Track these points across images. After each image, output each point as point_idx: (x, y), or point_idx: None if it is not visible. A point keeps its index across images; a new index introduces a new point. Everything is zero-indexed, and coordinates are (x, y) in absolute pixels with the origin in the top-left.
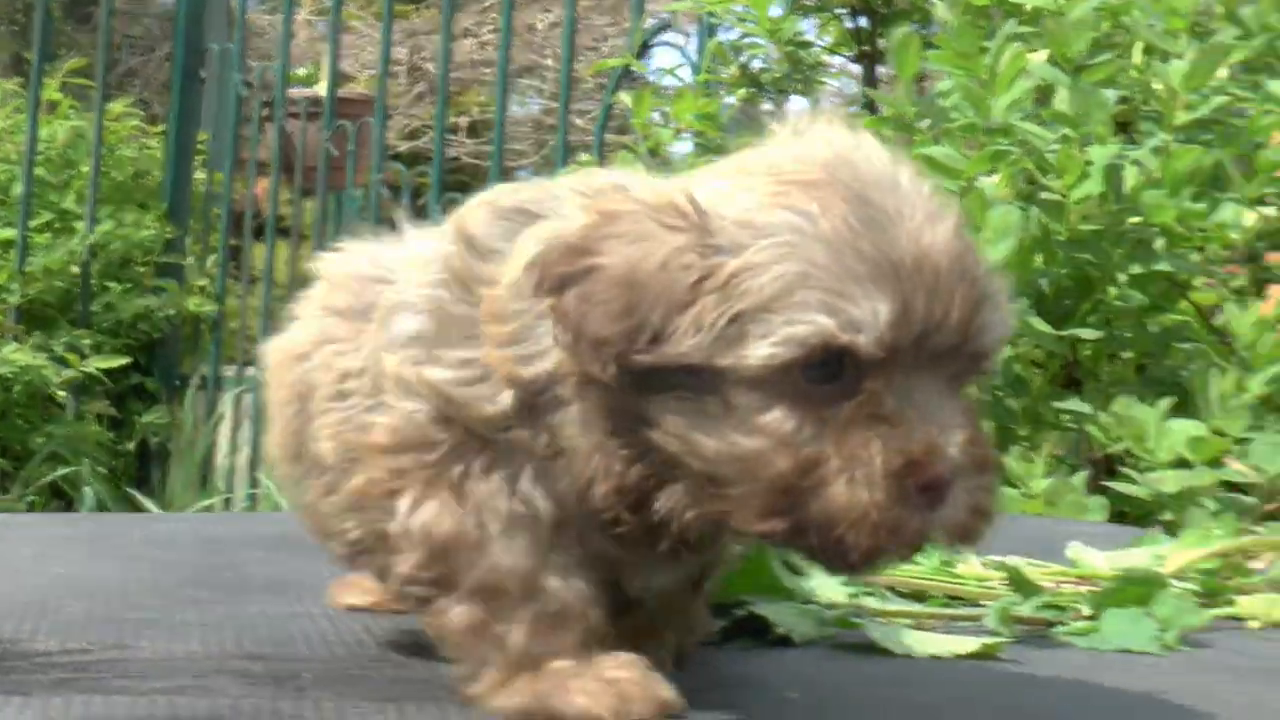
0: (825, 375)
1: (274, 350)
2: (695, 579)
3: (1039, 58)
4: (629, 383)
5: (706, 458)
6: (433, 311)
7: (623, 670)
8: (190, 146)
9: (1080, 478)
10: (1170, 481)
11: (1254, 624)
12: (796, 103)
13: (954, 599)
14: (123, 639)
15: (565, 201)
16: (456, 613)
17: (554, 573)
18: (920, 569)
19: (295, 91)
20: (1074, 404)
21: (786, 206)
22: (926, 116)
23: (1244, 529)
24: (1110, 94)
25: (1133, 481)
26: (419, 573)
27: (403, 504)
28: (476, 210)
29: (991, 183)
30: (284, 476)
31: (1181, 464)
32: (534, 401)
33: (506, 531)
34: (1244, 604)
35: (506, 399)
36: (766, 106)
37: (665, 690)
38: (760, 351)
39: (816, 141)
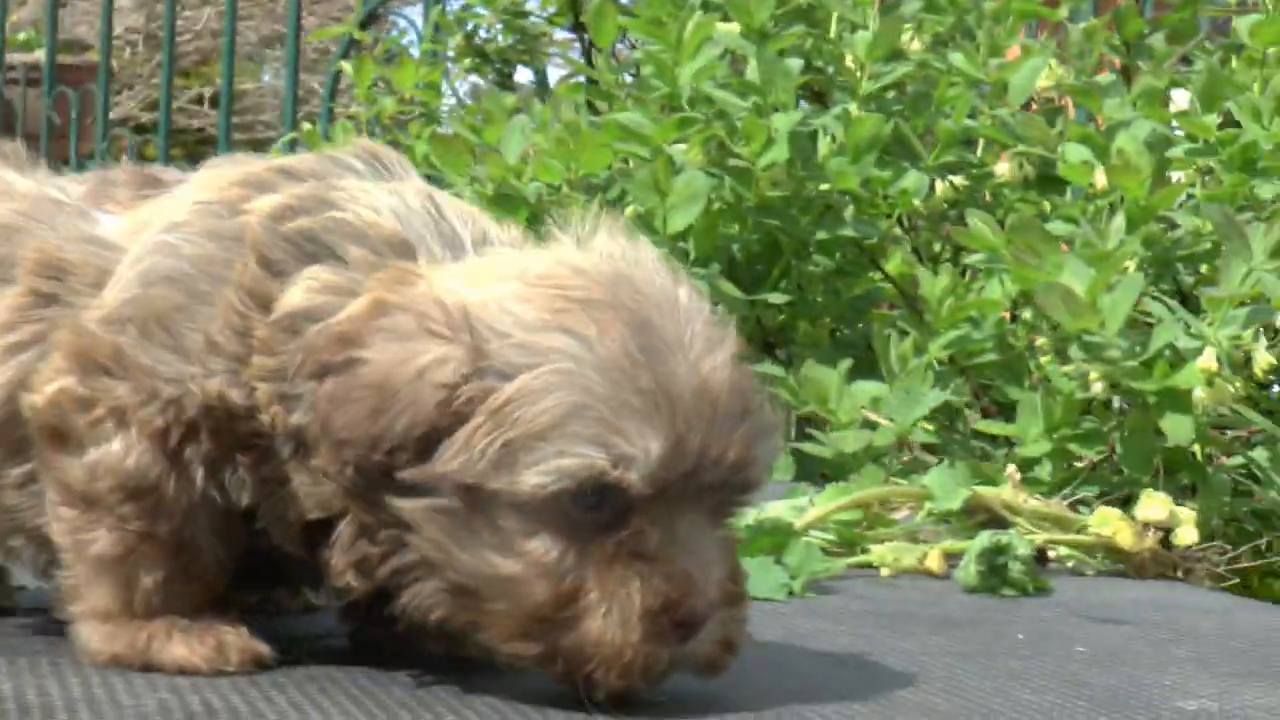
0: (593, 507)
1: None
2: None
3: (731, 28)
4: (383, 485)
5: (463, 572)
6: (223, 314)
7: (227, 628)
8: None
9: None
10: (850, 441)
11: (885, 571)
12: (523, 74)
13: None
14: None
15: (346, 234)
16: (105, 538)
17: (205, 538)
18: None
19: (15, 57)
20: (766, 367)
21: (565, 329)
22: (625, 85)
23: (886, 480)
24: (795, 63)
25: (819, 442)
26: (92, 489)
27: (116, 441)
28: (260, 227)
29: (681, 149)
30: None
31: (867, 425)
32: (290, 440)
33: (189, 507)
34: (876, 552)
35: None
36: (492, 78)
37: (261, 646)
38: (530, 480)
39: (597, 253)
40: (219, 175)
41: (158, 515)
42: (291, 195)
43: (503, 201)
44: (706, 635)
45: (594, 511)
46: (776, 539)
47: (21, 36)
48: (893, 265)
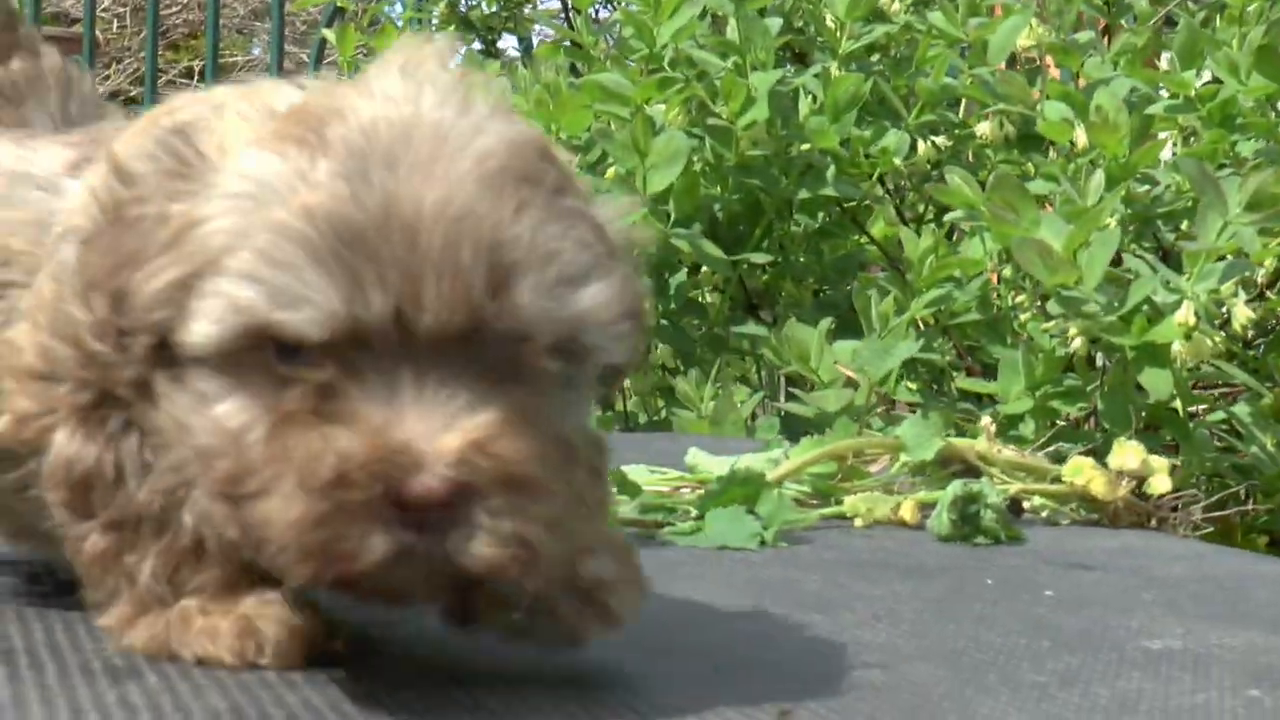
0: (284, 360)
1: None
2: None
3: None
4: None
5: (190, 448)
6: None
7: (263, 608)
8: None
9: (754, 398)
10: (831, 400)
11: (858, 522)
12: (507, 40)
13: None
14: None
15: (228, 115)
16: (92, 539)
17: (186, 507)
18: None
19: None
20: (749, 327)
21: (273, 150)
22: (606, 48)
23: (860, 433)
24: (775, 22)
25: (801, 401)
26: (62, 495)
27: (59, 437)
28: (134, 137)
29: (660, 110)
30: None
31: (850, 384)
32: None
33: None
34: (850, 502)
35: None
36: (476, 45)
37: (311, 627)
38: (198, 327)
39: (369, 85)
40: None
41: (114, 497)
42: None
43: None
44: (470, 528)
45: (286, 365)
46: (749, 489)
47: None
48: (878, 229)
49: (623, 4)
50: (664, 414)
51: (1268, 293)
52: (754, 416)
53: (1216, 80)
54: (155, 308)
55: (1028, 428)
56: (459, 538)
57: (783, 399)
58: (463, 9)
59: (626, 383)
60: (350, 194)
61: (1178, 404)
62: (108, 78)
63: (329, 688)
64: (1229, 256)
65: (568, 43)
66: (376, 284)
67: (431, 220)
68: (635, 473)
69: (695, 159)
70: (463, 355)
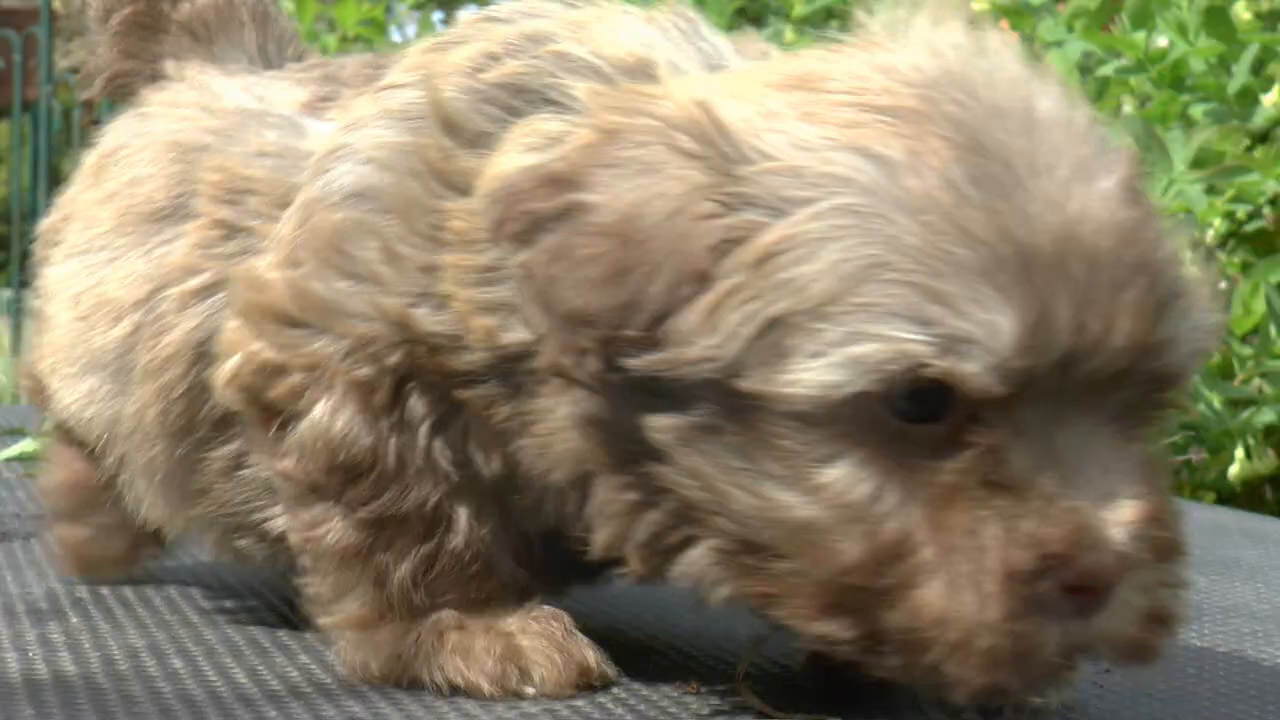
0: (918, 415)
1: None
2: None
3: None
4: (623, 388)
5: (740, 518)
6: (400, 211)
7: (531, 627)
8: None
9: None
10: None
11: None
12: (468, 11)
13: None
14: None
15: (570, 71)
16: (339, 529)
17: (460, 512)
18: None
19: None
20: None
21: (859, 149)
22: None
23: None
24: None
25: None
26: (310, 474)
27: (319, 407)
28: (449, 87)
29: None
30: (158, 476)
31: None
32: (511, 369)
33: (423, 477)
34: None
35: (478, 356)
36: (436, 15)
37: (588, 655)
38: (810, 378)
39: (917, 48)
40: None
41: (386, 491)
42: (493, 40)
43: None
44: (1120, 606)
45: (919, 423)
46: None
47: None
48: None
49: None
50: None
51: (1218, 253)
52: None
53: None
54: (701, 344)
55: None
56: (1109, 616)
57: None
58: None
59: None
60: (994, 205)
61: None
62: (70, 51)
63: None
64: (1178, 216)
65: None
66: (1055, 324)
67: (1094, 240)
68: None
69: None
70: (1115, 399)
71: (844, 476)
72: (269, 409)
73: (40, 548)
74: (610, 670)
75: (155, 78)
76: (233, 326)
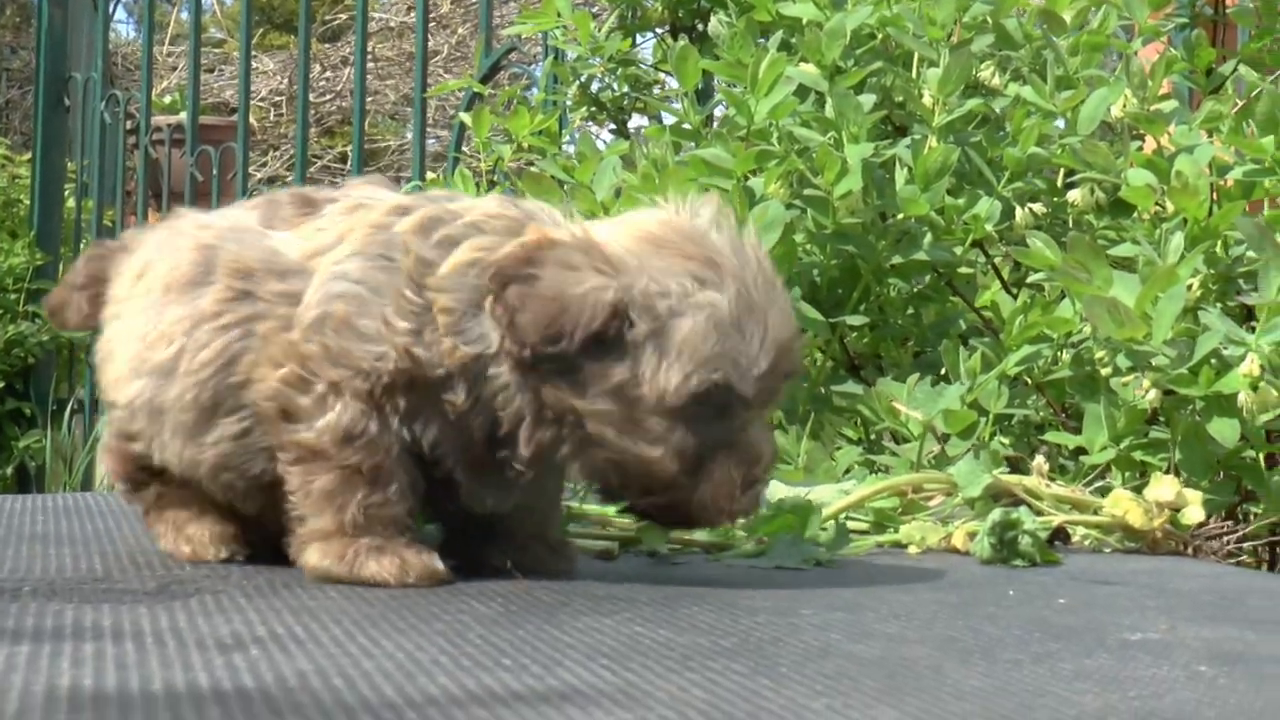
0: (713, 406)
1: (182, 320)
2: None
3: (811, 68)
4: (551, 369)
5: (617, 452)
6: (394, 301)
7: (410, 550)
8: (58, 174)
9: (852, 451)
10: (916, 450)
11: (912, 549)
12: (637, 121)
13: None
14: None
15: (476, 229)
16: (324, 479)
17: (396, 470)
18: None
19: (160, 119)
20: (848, 386)
21: (694, 276)
22: (709, 125)
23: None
24: (868, 98)
25: (893, 454)
26: (321, 445)
27: (337, 408)
28: (413, 237)
29: (759, 181)
30: (185, 430)
31: (946, 436)
32: (468, 373)
33: (386, 446)
34: (905, 530)
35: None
36: (610, 126)
37: (439, 565)
38: (676, 389)
39: (701, 214)
40: (360, 215)
41: (363, 452)
42: (424, 214)
43: None
44: (755, 491)
45: (712, 408)
46: (798, 516)
47: (168, 100)
48: (983, 299)
49: (724, 84)
50: None
51: None
52: (849, 470)
53: None
54: (617, 372)
55: (1117, 479)
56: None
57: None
58: (594, 90)
59: None
60: (757, 310)
61: (1253, 452)
62: (265, 164)
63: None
64: None
65: (684, 123)
66: (777, 368)
67: (789, 327)
68: None
69: (796, 227)
70: (772, 402)
71: (678, 436)
72: (292, 409)
73: (211, 598)
74: (449, 572)
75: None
76: (274, 360)
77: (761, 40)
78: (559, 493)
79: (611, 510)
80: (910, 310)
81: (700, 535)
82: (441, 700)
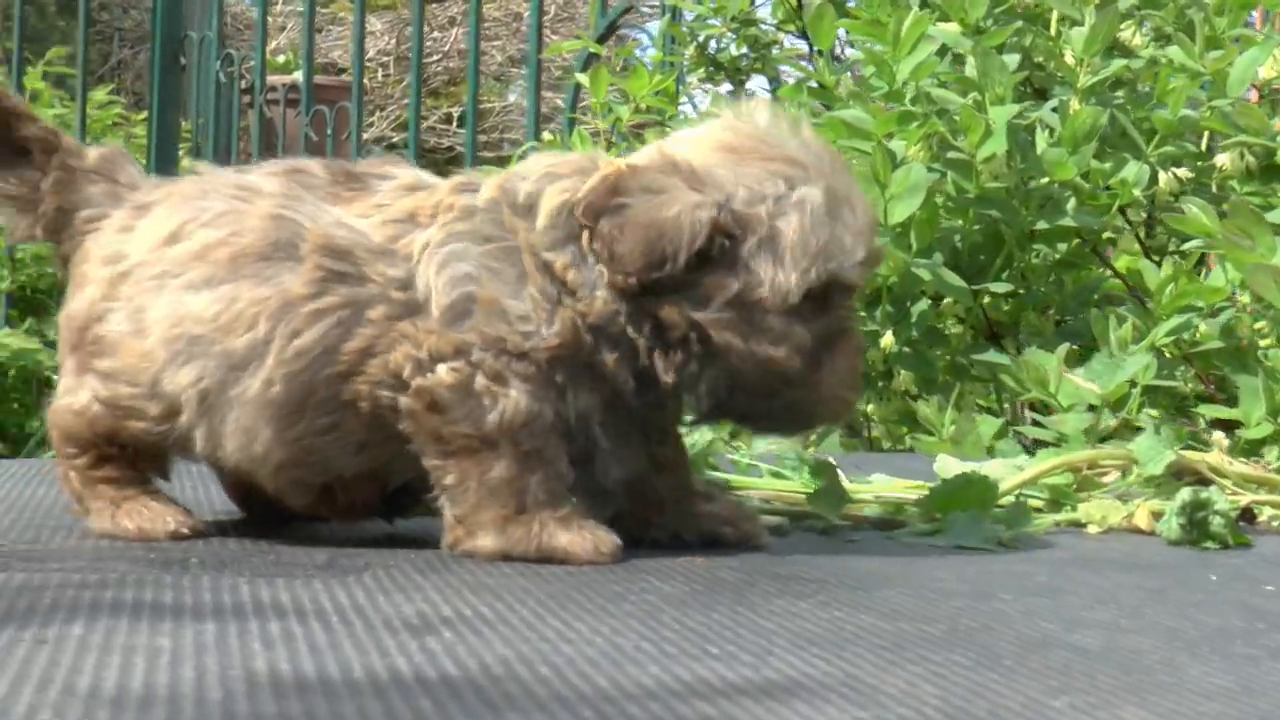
0: (824, 300)
1: (264, 301)
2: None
3: (951, 27)
4: (666, 290)
5: (742, 359)
6: (520, 272)
7: (589, 523)
8: (173, 134)
9: (995, 422)
10: (1071, 423)
11: (1092, 528)
12: (756, 81)
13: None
14: (38, 537)
15: (549, 177)
16: (500, 467)
17: (560, 446)
18: (781, 484)
19: (275, 78)
20: (990, 355)
21: (783, 177)
22: (845, 85)
23: (1091, 446)
24: (1012, 58)
25: (1040, 425)
26: (497, 435)
27: (511, 394)
28: (506, 210)
29: (901, 144)
30: (261, 425)
31: (1090, 408)
32: (610, 324)
33: (552, 424)
34: (1084, 509)
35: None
36: (726, 86)
37: (617, 541)
38: (791, 289)
39: (761, 121)
40: (424, 195)
41: (539, 437)
42: (495, 183)
43: None
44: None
45: (822, 301)
46: (978, 493)
47: (281, 59)
48: (1121, 263)
49: (863, 44)
50: (907, 440)
51: None
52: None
53: None
54: (734, 283)
55: (1272, 454)
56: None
57: (1024, 424)
58: (711, 51)
59: (870, 408)
60: (849, 203)
61: None
62: (371, 124)
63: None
64: None
65: (812, 83)
66: (872, 256)
67: (871, 225)
68: (879, 480)
69: (936, 192)
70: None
71: (800, 333)
72: (447, 405)
73: (385, 574)
74: (620, 544)
75: (81, 206)
76: (413, 360)
77: None
78: (681, 442)
79: (766, 481)
80: (1052, 277)
81: (872, 511)
82: (660, 693)
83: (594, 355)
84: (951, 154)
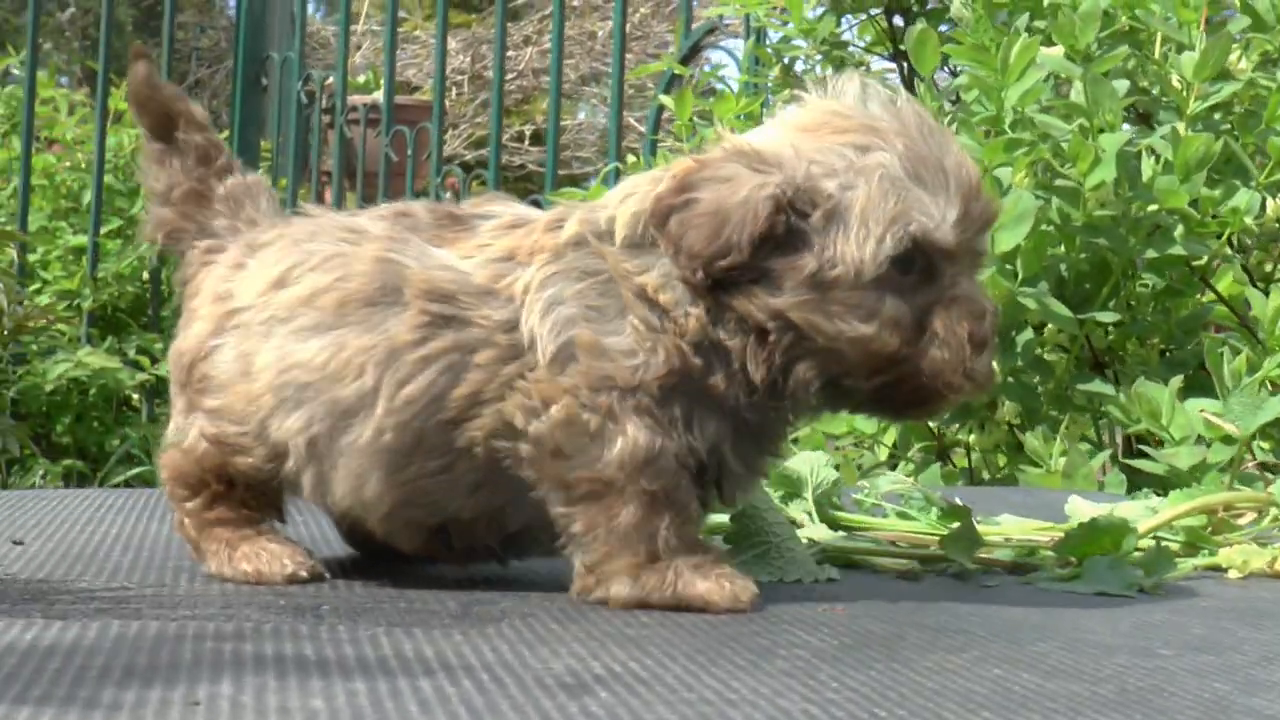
0: (912, 267)
1: (372, 349)
2: None
3: (1055, 52)
4: (741, 281)
5: (831, 338)
6: (632, 304)
7: (726, 570)
8: (254, 153)
9: (1099, 455)
10: (1183, 457)
11: (1232, 573)
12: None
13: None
14: (162, 579)
15: (628, 192)
16: (627, 511)
17: (688, 484)
18: (907, 525)
19: (355, 98)
20: (1096, 385)
21: (852, 145)
22: (948, 111)
23: (1229, 487)
24: (1121, 84)
25: (1150, 458)
26: (615, 478)
27: (628, 431)
28: (594, 239)
29: (1008, 171)
30: (373, 471)
31: (1199, 441)
32: (709, 340)
33: (678, 458)
34: (1224, 554)
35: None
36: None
37: (755, 589)
38: (868, 260)
39: (851, 96)
40: (523, 233)
41: (664, 476)
42: (579, 214)
43: None
44: (988, 353)
45: (915, 269)
46: (1115, 536)
47: (361, 79)
48: (1224, 285)
49: (961, 69)
50: (1006, 470)
51: None
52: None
53: None
54: (812, 263)
55: None
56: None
57: (1120, 456)
58: (797, 72)
59: (971, 438)
60: (935, 156)
61: None
62: (444, 142)
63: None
64: None
65: None
66: (971, 214)
67: (976, 177)
68: (1008, 521)
69: (1040, 219)
70: (980, 259)
71: (889, 306)
72: (566, 449)
73: (523, 624)
74: (758, 592)
75: (203, 233)
76: (529, 407)
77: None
78: None
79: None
80: (1158, 306)
81: (1004, 554)
82: None
83: (707, 377)
84: (1059, 181)
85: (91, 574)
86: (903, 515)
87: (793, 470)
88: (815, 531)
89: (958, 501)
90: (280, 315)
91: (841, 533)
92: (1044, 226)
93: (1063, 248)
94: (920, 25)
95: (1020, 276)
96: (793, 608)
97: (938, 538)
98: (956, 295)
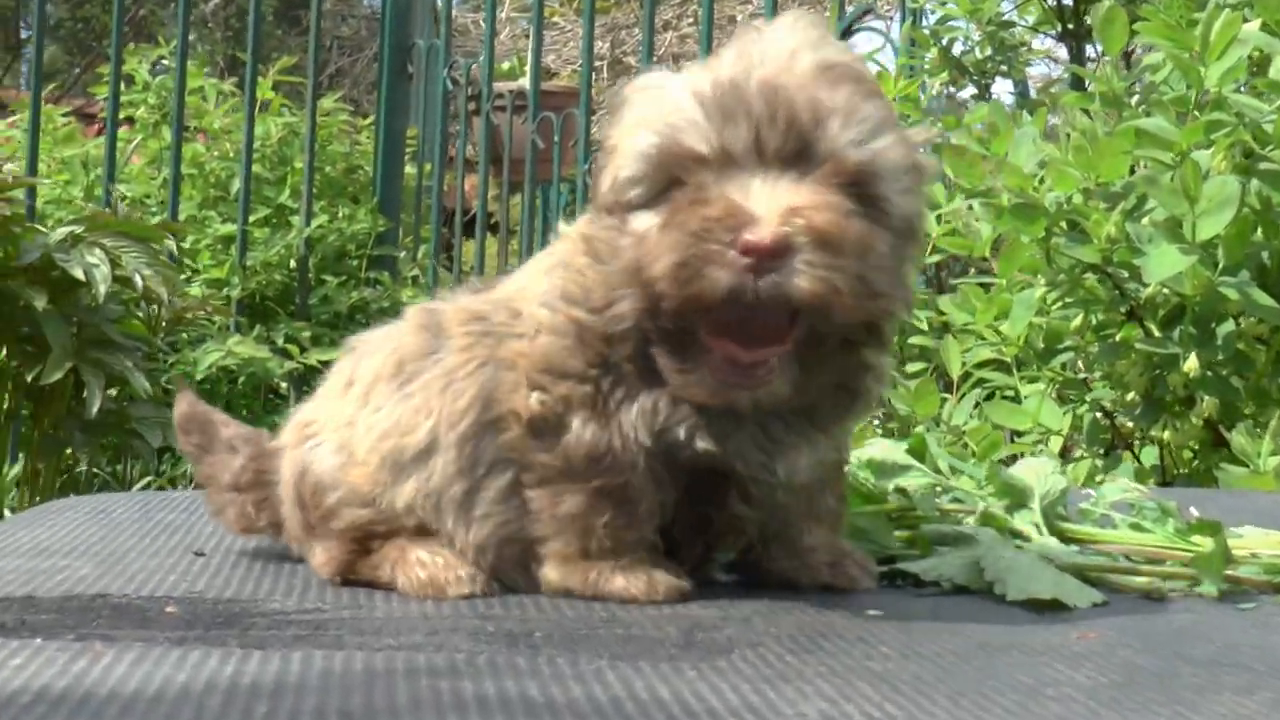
0: (665, 179)
1: (429, 384)
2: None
3: (1251, 27)
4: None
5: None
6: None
7: (657, 568)
8: (399, 141)
9: None
10: None
11: None
12: (1001, 85)
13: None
14: (356, 599)
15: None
16: (572, 500)
17: (646, 499)
18: (1143, 537)
19: (500, 85)
20: None
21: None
22: (1136, 91)
23: None
24: None
25: None
26: (568, 463)
27: (575, 423)
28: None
29: (1207, 154)
30: (458, 506)
31: None
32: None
33: (635, 457)
34: None
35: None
36: (970, 90)
37: (683, 582)
38: (623, 175)
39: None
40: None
41: (609, 471)
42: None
43: (1021, 211)
44: (792, 270)
45: (669, 183)
46: None
47: (505, 66)
48: None
49: (1148, 48)
50: (1195, 467)
51: None
52: None
53: None
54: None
55: None
56: (784, 276)
57: None
58: (956, 54)
59: (1167, 435)
60: (726, 78)
61: None
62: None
63: None
64: None
65: (1078, 85)
66: (738, 119)
67: (779, 84)
68: (1250, 534)
69: (1244, 206)
70: (796, 170)
71: (638, 220)
72: (541, 431)
73: (754, 655)
74: (679, 585)
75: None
76: (521, 388)
77: None
78: (830, 496)
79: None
80: None
81: (1248, 571)
82: None
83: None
84: (1264, 165)
85: (281, 591)
86: (1135, 526)
87: (1017, 479)
88: (1046, 545)
89: (1193, 511)
90: (360, 404)
91: (1074, 546)
92: (1243, 212)
93: (1262, 233)
94: (1107, 2)
95: (1220, 265)
96: (1039, 632)
97: (1179, 552)
98: (699, 198)
